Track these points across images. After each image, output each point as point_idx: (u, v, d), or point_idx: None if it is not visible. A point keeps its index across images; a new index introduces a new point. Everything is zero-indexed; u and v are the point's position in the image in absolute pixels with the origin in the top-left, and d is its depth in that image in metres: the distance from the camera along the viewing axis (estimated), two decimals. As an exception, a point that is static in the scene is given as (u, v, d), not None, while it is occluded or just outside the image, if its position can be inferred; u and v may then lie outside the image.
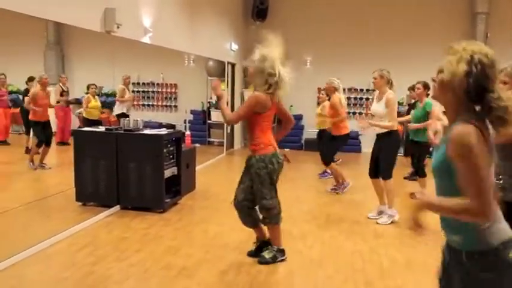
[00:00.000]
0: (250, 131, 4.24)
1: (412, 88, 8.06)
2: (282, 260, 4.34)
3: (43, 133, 7.64)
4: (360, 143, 11.77)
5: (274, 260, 4.29)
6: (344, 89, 11.69)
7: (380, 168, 5.70)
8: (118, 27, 5.95)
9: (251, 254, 4.46)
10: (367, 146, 10.60)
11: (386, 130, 5.56)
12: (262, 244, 4.44)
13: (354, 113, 12.10)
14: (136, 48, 8.05)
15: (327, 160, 7.21)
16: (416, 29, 11.49)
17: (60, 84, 8.77)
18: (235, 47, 11.22)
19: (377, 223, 5.67)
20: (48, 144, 7.69)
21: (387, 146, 5.65)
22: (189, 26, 8.76)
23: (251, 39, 12.55)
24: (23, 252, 4.32)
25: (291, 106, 12.37)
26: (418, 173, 6.93)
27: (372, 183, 5.88)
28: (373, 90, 5.91)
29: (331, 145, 7.35)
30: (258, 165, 4.10)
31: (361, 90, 12.04)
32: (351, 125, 11.45)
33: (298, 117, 12.31)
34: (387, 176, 5.66)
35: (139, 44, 7.05)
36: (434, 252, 4.45)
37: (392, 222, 5.67)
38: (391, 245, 4.91)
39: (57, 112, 8.80)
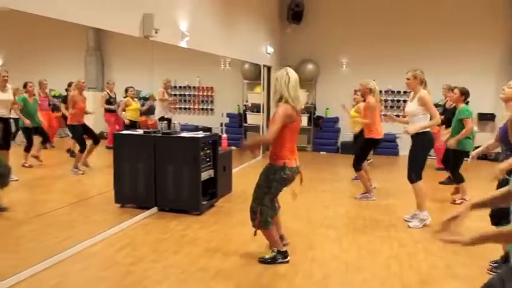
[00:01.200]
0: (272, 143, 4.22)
1: (451, 89, 7.73)
2: (283, 262, 4.33)
3: (86, 134, 7.87)
4: (398, 146, 11.57)
5: (273, 261, 4.33)
6: (381, 91, 11.56)
7: (408, 169, 5.60)
8: (156, 32, 6.05)
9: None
10: (405, 148, 10.45)
11: (418, 131, 5.45)
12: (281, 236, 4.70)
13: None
14: (173, 53, 8.18)
15: (355, 166, 6.96)
16: (456, 28, 11.20)
17: (108, 90, 9.03)
18: (270, 50, 11.24)
19: (409, 227, 5.56)
20: (96, 142, 7.94)
21: (416, 146, 5.56)
22: (225, 29, 8.83)
23: (287, 42, 12.64)
24: (66, 251, 4.46)
25: (327, 109, 12.33)
26: (455, 180, 6.74)
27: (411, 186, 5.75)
28: (410, 92, 5.77)
29: (361, 149, 7.12)
30: (266, 171, 4.21)
31: (398, 92, 11.80)
32: (387, 128, 11.40)
33: (334, 120, 12.23)
34: (414, 177, 5.53)
35: (176, 48, 7.15)
36: (476, 259, 4.37)
37: (424, 225, 5.54)
38: (429, 250, 4.79)
39: (108, 118, 9.07)
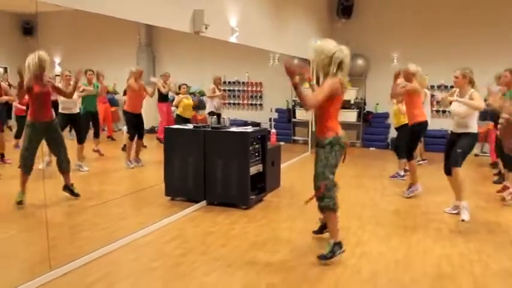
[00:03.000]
0: (318, 117, 4.25)
1: (498, 77, 7.31)
2: (341, 253, 4.27)
3: (135, 125, 8.04)
4: (449, 142, 11.21)
5: (333, 255, 4.24)
6: (433, 86, 11.26)
7: (451, 157, 5.54)
8: (206, 28, 6.12)
9: (315, 232, 4.91)
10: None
11: (465, 130, 5.45)
12: (323, 227, 4.82)
13: (444, 112, 11.49)
14: (222, 48, 8.25)
15: (405, 154, 6.75)
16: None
17: (162, 81, 9.23)
18: (320, 44, 11.13)
19: (462, 220, 5.40)
20: (140, 137, 8.11)
21: (463, 141, 5.50)
22: (274, 25, 8.82)
23: (336, 37, 12.44)
24: (118, 241, 4.60)
25: (377, 104, 12.11)
26: (506, 165, 6.61)
27: (448, 180, 5.79)
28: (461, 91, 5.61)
29: (408, 137, 6.81)
30: (320, 146, 4.19)
31: (452, 87, 11.37)
32: (439, 124, 11.10)
33: (385, 116, 11.99)
34: (457, 163, 5.47)
35: (226, 44, 7.21)
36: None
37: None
38: (483, 251, 4.62)
39: (160, 108, 9.26)
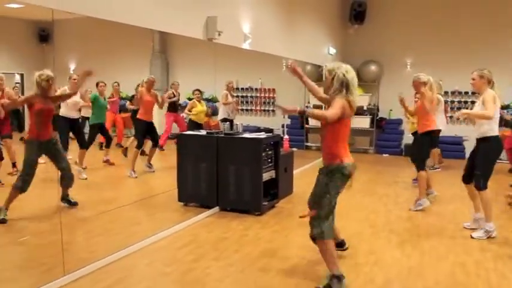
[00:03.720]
0: (324, 139, 3.89)
1: None
2: None
3: (148, 133, 8.10)
4: (464, 148, 11.09)
5: None
6: (447, 92, 11.16)
7: (474, 175, 5.25)
8: (219, 35, 6.15)
9: None
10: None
11: (483, 135, 5.13)
12: (340, 243, 4.44)
13: (458, 118, 11.34)
14: (235, 54, 8.29)
15: (416, 164, 6.55)
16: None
17: (173, 90, 9.33)
18: (333, 51, 11.13)
19: (471, 237, 5.21)
20: (155, 144, 8.18)
21: (484, 152, 5.17)
22: (287, 31, 8.84)
23: (349, 43, 12.47)
24: (131, 246, 4.63)
25: (391, 110, 12.04)
26: None
27: (466, 189, 5.52)
28: (479, 93, 5.36)
29: (419, 147, 6.63)
30: (324, 173, 3.86)
31: (466, 93, 11.30)
32: (454, 130, 11.00)
33: (398, 122, 11.93)
34: (481, 186, 5.15)
35: (238, 50, 7.24)
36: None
37: (489, 237, 5.16)
38: (499, 259, 4.56)
39: (167, 117, 9.34)
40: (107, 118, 8.70)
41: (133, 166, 7.87)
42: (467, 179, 5.45)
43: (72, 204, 5.90)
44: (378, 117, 12.22)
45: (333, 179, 3.77)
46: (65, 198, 5.85)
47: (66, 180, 5.72)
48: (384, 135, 12.15)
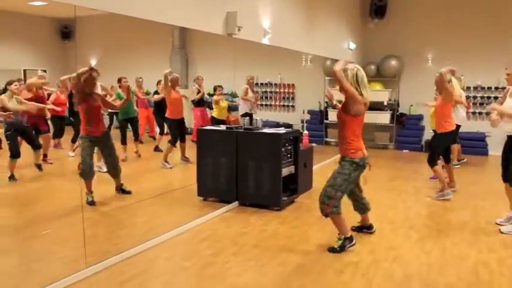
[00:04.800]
0: (343, 134, 4.44)
1: None
2: (351, 246, 4.54)
3: (178, 130, 8.29)
4: (487, 145, 10.92)
5: (342, 249, 4.50)
6: (469, 87, 11.00)
7: (508, 172, 5.15)
8: (239, 30, 6.16)
9: (353, 228, 5.01)
10: (494, 148, 9.86)
11: None
12: (362, 227, 5.10)
13: (480, 113, 11.18)
14: (255, 50, 8.29)
15: (429, 161, 6.56)
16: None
17: (197, 85, 9.43)
18: (353, 45, 11.04)
19: (500, 231, 5.19)
20: (182, 140, 8.36)
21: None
22: (307, 26, 8.80)
23: (369, 38, 12.35)
24: (152, 240, 4.69)
25: (411, 106, 11.91)
26: None
27: (504, 186, 5.34)
28: (503, 88, 5.32)
29: (434, 145, 6.71)
30: (346, 165, 4.43)
31: (489, 88, 11.08)
32: (476, 126, 10.83)
33: (419, 118, 11.79)
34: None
35: (258, 46, 7.23)
36: None
37: None
38: (524, 256, 4.50)
39: (195, 112, 9.49)
40: (140, 114, 8.96)
41: (166, 158, 8.21)
42: (503, 177, 5.30)
43: (126, 192, 6.39)
44: (398, 113, 12.10)
45: (352, 169, 4.40)
46: (119, 188, 6.37)
47: (113, 171, 6.26)
48: (404, 131, 12.02)
